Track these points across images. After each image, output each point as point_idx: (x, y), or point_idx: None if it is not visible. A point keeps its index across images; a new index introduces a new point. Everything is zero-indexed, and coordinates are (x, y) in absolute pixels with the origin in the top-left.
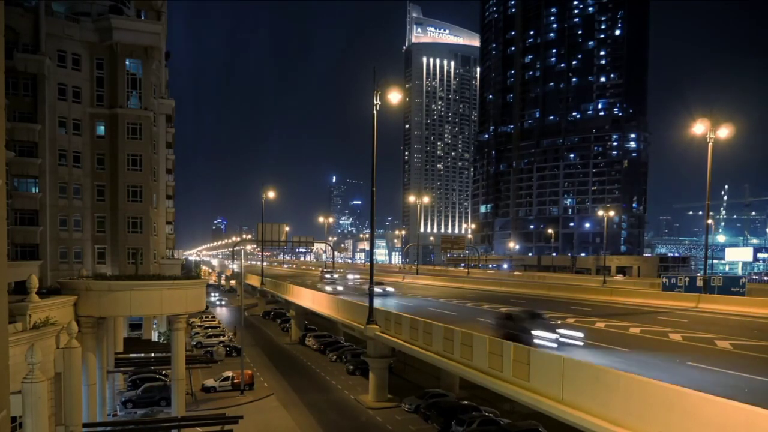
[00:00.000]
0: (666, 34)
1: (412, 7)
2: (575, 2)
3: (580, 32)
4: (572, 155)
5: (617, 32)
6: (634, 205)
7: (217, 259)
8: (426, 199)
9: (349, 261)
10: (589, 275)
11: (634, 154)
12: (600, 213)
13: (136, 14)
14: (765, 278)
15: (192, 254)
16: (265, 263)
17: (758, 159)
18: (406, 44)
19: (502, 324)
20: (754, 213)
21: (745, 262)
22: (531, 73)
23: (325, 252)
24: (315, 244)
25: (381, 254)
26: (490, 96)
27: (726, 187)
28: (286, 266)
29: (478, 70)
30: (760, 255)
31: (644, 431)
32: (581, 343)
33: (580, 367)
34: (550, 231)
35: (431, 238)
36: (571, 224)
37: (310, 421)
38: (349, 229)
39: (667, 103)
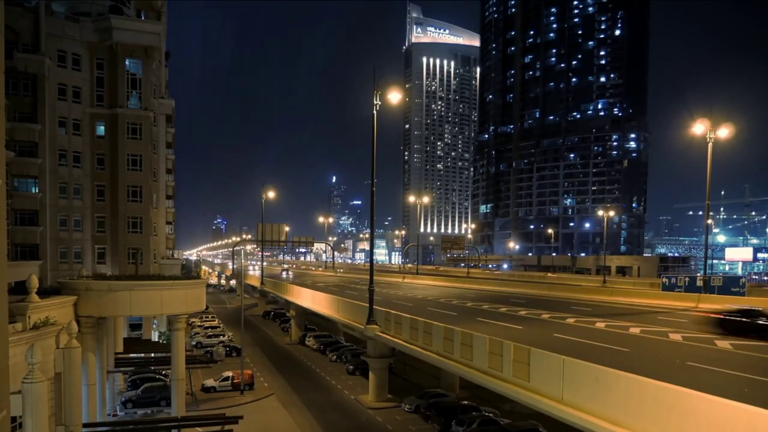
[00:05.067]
0: (666, 34)
1: (412, 7)
2: (575, 2)
3: (580, 32)
4: (572, 155)
5: (617, 32)
6: (634, 205)
7: (218, 259)
8: (426, 199)
9: (349, 261)
10: (589, 275)
11: (634, 154)
12: (600, 213)
13: (136, 14)
14: (765, 278)
15: (192, 254)
16: (265, 263)
17: (758, 159)
18: (406, 44)
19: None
20: (754, 213)
21: (745, 262)
22: (531, 73)
23: (325, 252)
24: (315, 244)
25: (381, 254)
26: (490, 96)
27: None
28: (286, 266)
29: (478, 70)
30: (760, 255)
31: (644, 431)
32: None
33: (580, 367)
34: (550, 231)
35: (431, 238)
36: (571, 224)
37: (310, 421)
38: (349, 229)
39: (667, 103)
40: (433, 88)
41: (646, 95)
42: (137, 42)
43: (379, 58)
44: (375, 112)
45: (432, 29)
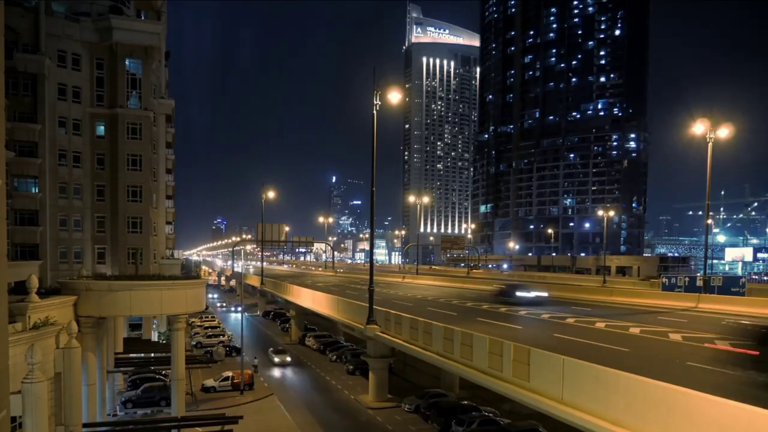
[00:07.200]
0: (666, 34)
1: (412, 7)
2: (575, 2)
3: (580, 32)
4: (572, 155)
5: (617, 32)
6: (634, 205)
7: (218, 259)
8: (426, 199)
9: (349, 261)
10: (589, 275)
11: (633, 154)
12: (600, 213)
13: (136, 14)
14: (765, 278)
15: (192, 254)
16: (264, 263)
17: (758, 159)
18: (406, 44)
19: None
20: (754, 213)
21: (745, 262)
22: (531, 73)
23: (324, 252)
24: (315, 244)
25: (381, 254)
26: (490, 96)
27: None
28: (286, 266)
29: (478, 70)
30: (760, 255)
31: (644, 431)
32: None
33: (581, 367)
34: (550, 231)
35: (431, 238)
36: (571, 224)
37: (310, 421)
38: (349, 229)
39: (667, 103)
40: (433, 88)
41: (646, 95)
42: (137, 42)
43: (379, 58)
44: (375, 112)
45: (432, 29)
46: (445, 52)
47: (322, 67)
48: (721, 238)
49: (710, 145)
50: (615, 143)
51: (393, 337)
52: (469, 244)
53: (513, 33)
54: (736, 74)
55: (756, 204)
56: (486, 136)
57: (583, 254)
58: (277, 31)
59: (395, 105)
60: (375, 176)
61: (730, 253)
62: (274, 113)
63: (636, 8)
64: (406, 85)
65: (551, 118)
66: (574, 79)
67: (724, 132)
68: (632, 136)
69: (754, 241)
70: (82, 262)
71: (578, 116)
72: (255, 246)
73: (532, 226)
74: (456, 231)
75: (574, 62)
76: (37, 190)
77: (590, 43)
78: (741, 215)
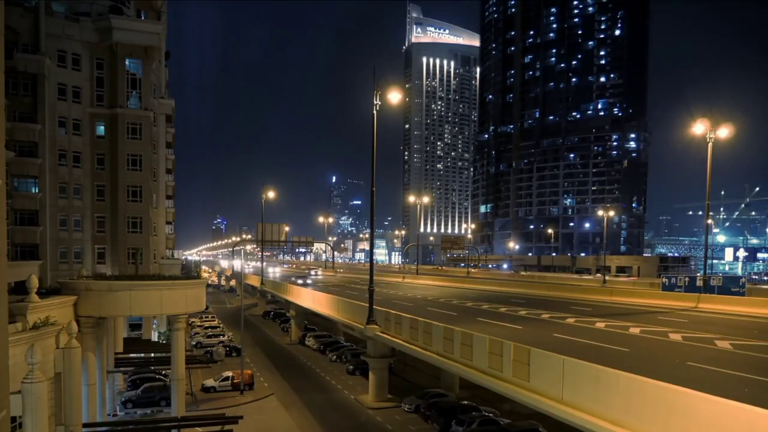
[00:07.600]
0: (666, 34)
1: (412, 7)
2: (575, 2)
3: (580, 32)
4: (572, 155)
5: (617, 32)
6: (634, 205)
7: (217, 259)
8: (426, 199)
9: (349, 261)
10: (589, 275)
11: (633, 154)
12: (600, 213)
13: (136, 14)
14: (765, 278)
15: (192, 254)
16: (265, 263)
17: (758, 159)
18: (406, 44)
19: None
20: (753, 213)
21: (744, 262)
22: (531, 73)
23: (324, 252)
24: (315, 244)
25: (381, 254)
26: (490, 96)
27: (721, 191)
28: (285, 266)
29: (478, 70)
30: (759, 255)
31: (644, 431)
32: None
33: (581, 367)
34: (550, 231)
35: (431, 238)
36: (571, 224)
37: (310, 421)
38: (349, 229)
39: (667, 103)
40: (433, 88)
41: (646, 95)
42: (137, 42)
43: (379, 58)
44: (375, 112)
45: (432, 29)
46: (445, 52)
47: (322, 67)
48: (721, 238)
49: (710, 145)
50: (615, 143)
51: (393, 337)
52: (469, 244)
53: (513, 33)
54: (737, 74)
55: (748, 200)
56: (486, 136)
57: (583, 254)
58: (277, 31)
59: (395, 105)
60: (375, 176)
61: (729, 253)
62: (274, 113)
63: (636, 8)
64: (406, 85)
65: (551, 118)
66: (574, 79)
67: (724, 132)
68: (632, 136)
69: (754, 241)
70: (82, 262)
71: (578, 116)
72: (255, 246)
73: (532, 226)
74: (456, 231)
75: (574, 62)
76: (37, 190)
77: (590, 43)
78: (740, 215)
